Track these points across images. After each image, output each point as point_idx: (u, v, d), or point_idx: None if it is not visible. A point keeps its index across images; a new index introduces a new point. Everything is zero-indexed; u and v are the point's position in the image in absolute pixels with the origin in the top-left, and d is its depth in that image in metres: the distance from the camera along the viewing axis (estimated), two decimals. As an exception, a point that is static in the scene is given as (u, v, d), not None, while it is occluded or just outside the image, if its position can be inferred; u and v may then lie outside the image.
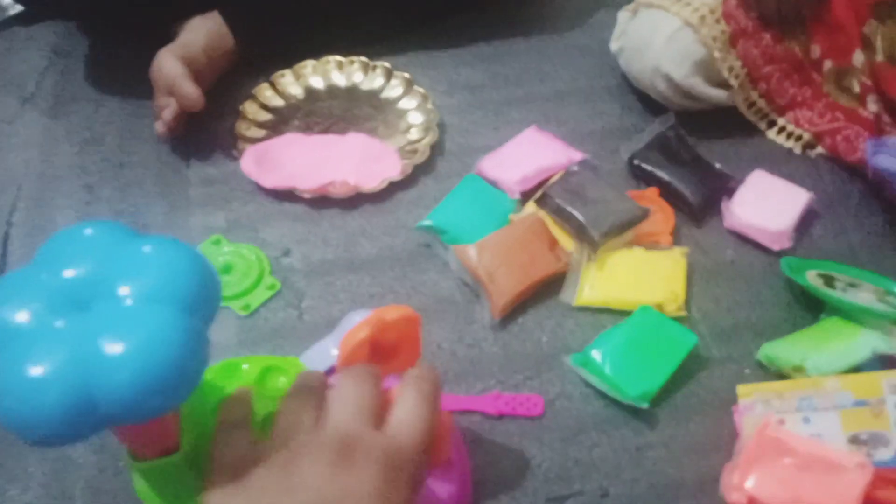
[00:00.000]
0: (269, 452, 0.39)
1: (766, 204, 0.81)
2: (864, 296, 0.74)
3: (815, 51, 0.88)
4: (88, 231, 0.38)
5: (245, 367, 0.52)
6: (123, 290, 0.34)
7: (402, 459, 0.38)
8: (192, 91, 0.83)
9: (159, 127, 0.87)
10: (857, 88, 0.88)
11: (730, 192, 0.83)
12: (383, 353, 0.51)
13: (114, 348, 0.32)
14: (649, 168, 0.85)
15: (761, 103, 0.91)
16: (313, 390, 0.42)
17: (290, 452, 0.38)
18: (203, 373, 0.36)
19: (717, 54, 0.86)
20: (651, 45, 0.88)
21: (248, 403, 0.44)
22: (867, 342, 0.68)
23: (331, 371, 0.68)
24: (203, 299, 0.36)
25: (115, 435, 0.39)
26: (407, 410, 0.41)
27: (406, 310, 0.52)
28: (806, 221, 0.83)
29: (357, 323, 0.50)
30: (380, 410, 0.41)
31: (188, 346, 0.34)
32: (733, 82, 0.87)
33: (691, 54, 0.86)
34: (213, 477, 0.39)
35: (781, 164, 0.90)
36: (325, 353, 0.71)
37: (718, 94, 0.89)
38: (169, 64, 0.84)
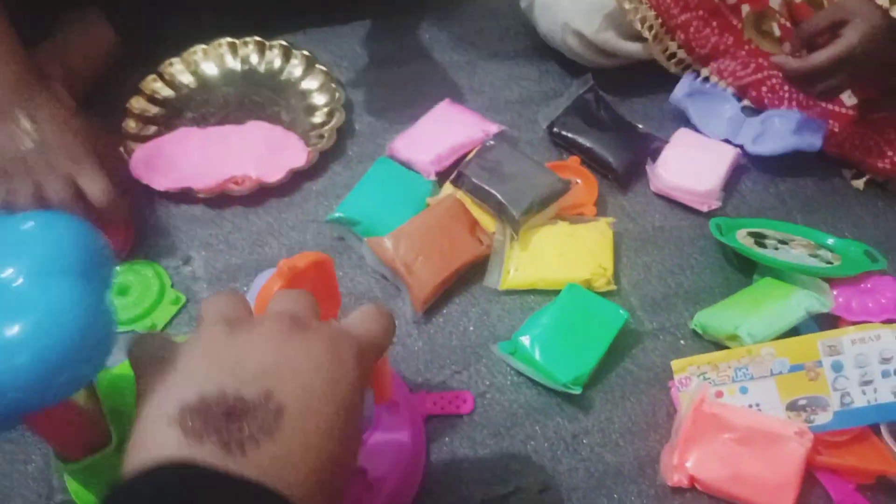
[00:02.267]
0: (205, 329, 0.34)
1: (692, 164, 0.78)
2: (796, 252, 0.71)
3: None
4: None
5: None
6: (9, 273, 0.33)
7: (353, 344, 0.35)
8: (60, 94, 0.75)
9: None
10: (777, 32, 0.85)
11: (654, 154, 0.80)
12: None
13: (12, 330, 0.31)
14: (569, 135, 0.81)
15: (681, 54, 0.87)
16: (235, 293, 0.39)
17: (230, 325, 0.34)
18: (112, 340, 0.34)
19: (627, 5, 0.81)
20: (560, 0, 0.83)
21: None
22: (800, 302, 0.65)
23: None
24: (95, 263, 0.35)
25: (39, 434, 0.38)
26: (362, 313, 0.38)
27: (316, 254, 0.50)
28: (734, 178, 0.80)
29: (267, 280, 0.47)
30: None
31: (90, 312, 0.33)
32: (647, 34, 0.83)
33: (601, 7, 0.81)
34: (140, 384, 0.33)
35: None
36: None
37: (634, 48, 0.85)
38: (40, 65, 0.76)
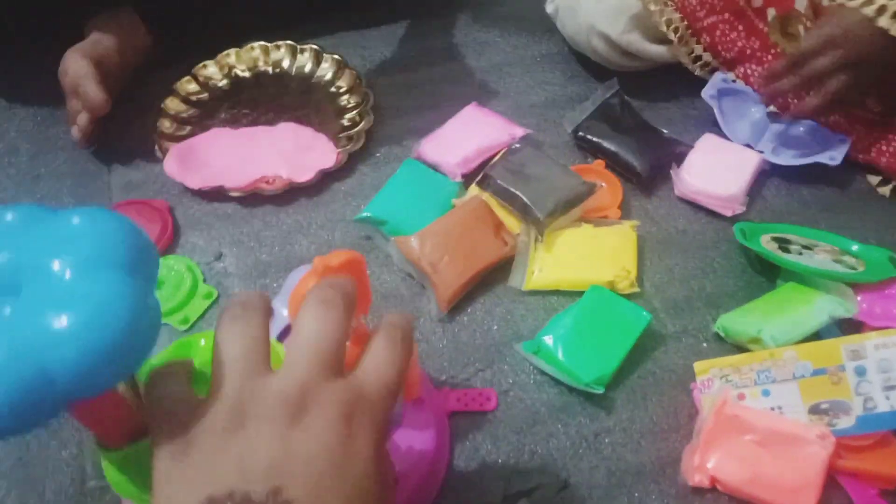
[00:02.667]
0: (211, 409, 0.33)
1: (716, 169, 0.79)
2: (819, 257, 0.71)
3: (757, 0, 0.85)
4: (8, 216, 0.36)
5: (203, 342, 0.51)
6: (58, 265, 0.33)
7: (366, 407, 0.34)
8: (96, 93, 0.78)
9: (75, 133, 0.82)
10: (803, 33, 0.85)
11: (679, 159, 0.80)
12: None
13: (61, 322, 0.32)
14: (594, 139, 0.82)
15: (707, 57, 0.87)
16: (252, 319, 0.36)
17: (234, 410, 0.33)
18: (156, 334, 0.35)
19: (652, 7, 0.82)
20: (584, 2, 0.84)
21: (186, 363, 0.37)
22: (823, 307, 0.66)
23: (284, 333, 0.66)
24: (141, 259, 0.35)
25: (83, 423, 0.38)
26: (375, 357, 0.37)
27: (350, 253, 0.50)
28: (758, 183, 0.80)
29: (301, 277, 0.48)
30: (343, 351, 0.36)
31: (137, 306, 0.33)
32: (672, 36, 0.84)
33: (626, 9, 0.82)
34: (154, 437, 0.34)
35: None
36: (276, 315, 0.68)
37: (659, 51, 0.86)
38: (74, 65, 0.79)
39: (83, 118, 0.80)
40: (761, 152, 0.82)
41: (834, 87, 0.74)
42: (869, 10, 0.70)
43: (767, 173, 0.82)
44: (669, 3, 0.83)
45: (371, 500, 0.32)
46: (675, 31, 0.84)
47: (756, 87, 0.79)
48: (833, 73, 0.73)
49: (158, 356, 0.50)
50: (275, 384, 0.33)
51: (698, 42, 0.86)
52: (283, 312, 0.68)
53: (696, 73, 0.88)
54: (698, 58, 0.87)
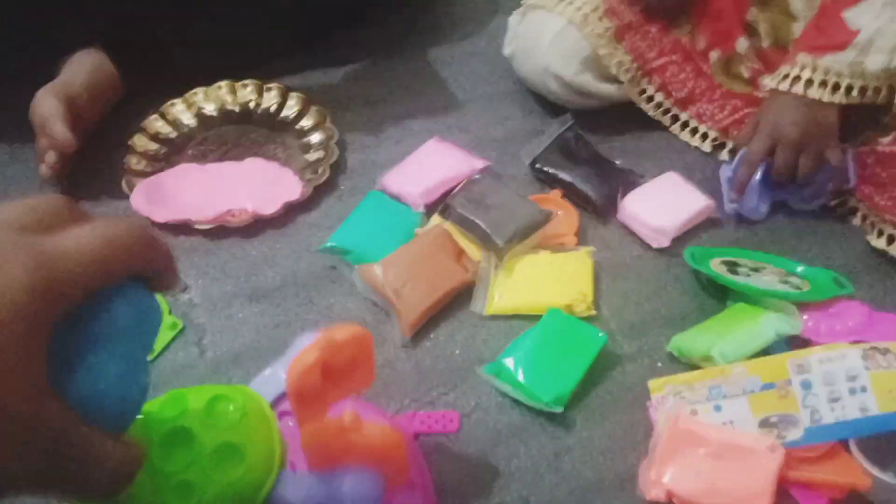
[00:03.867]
0: None
1: (659, 202, 0.82)
2: (767, 279, 0.75)
3: (701, 42, 0.90)
4: None
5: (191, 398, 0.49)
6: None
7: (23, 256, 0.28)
8: (63, 132, 0.79)
9: (44, 170, 0.83)
10: (746, 73, 0.90)
11: (631, 188, 0.84)
12: (335, 376, 0.49)
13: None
14: (551, 170, 0.85)
15: (659, 97, 0.92)
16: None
17: None
18: (144, 398, 0.34)
19: (602, 51, 0.86)
20: (538, 45, 0.88)
21: None
22: (770, 325, 0.69)
23: (280, 398, 0.65)
24: (141, 331, 0.33)
25: None
26: (92, 225, 0.31)
27: (356, 328, 0.49)
28: (704, 223, 0.83)
29: (305, 346, 0.48)
30: (50, 219, 0.31)
31: (126, 375, 0.32)
32: (623, 77, 0.88)
33: (578, 52, 0.87)
34: None
35: (685, 153, 0.91)
36: (274, 379, 0.68)
37: (612, 90, 0.90)
38: (45, 104, 0.80)
39: (51, 156, 0.82)
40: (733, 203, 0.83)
41: (807, 168, 0.79)
42: (798, 89, 0.77)
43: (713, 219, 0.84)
44: (619, 45, 0.87)
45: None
46: (627, 72, 0.88)
47: (731, 193, 0.83)
48: (795, 159, 0.79)
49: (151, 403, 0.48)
50: None
51: (650, 82, 0.91)
52: (281, 376, 0.68)
53: (648, 114, 0.92)
54: (650, 98, 0.91)
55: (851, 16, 0.76)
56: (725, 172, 0.84)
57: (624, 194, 0.82)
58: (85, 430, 0.30)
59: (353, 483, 0.48)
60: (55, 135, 0.80)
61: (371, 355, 0.52)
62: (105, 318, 0.31)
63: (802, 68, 0.78)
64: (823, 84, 0.77)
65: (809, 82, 0.77)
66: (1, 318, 0.26)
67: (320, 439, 0.49)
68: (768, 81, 0.82)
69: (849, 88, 0.76)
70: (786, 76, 0.79)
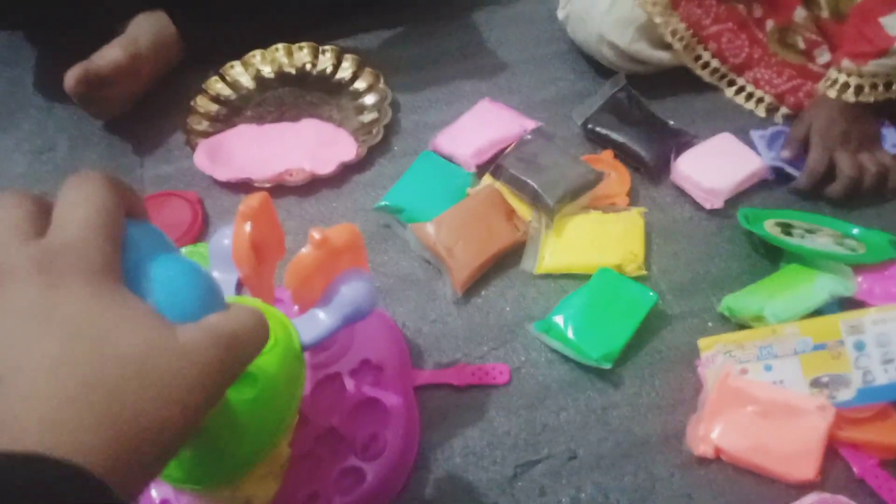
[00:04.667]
0: None
1: (712, 163, 0.81)
2: (821, 241, 0.74)
3: (757, 10, 0.88)
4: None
5: None
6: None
7: (65, 252, 0.29)
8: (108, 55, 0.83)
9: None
10: (801, 45, 0.88)
11: (684, 149, 0.83)
12: (330, 271, 0.53)
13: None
14: (603, 131, 0.85)
15: (715, 63, 0.90)
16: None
17: None
18: (214, 283, 0.36)
19: (658, 19, 0.85)
20: (593, 12, 0.87)
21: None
22: (824, 286, 0.68)
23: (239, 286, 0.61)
24: (159, 239, 0.35)
25: None
26: (62, 206, 0.31)
27: (351, 231, 0.54)
28: (757, 186, 0.82)
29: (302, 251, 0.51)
30: (39, 214, 0.31)
31: (183, 264, 0.34)
32: (678, 46, 0.87)
33: (633, 20, 0.86)
34: None
35: (737, 116, 0.90)
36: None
37: (667, 56, 0.89)
38: (107, 52, 0.84)
39: (78, 70, 0.84)
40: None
41: (874, 166, 0.80)
42: (849, 96, 0.79)
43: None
44: (674, 13, 0.86)
45: (108, 336, 0.28)
46: (681, 39, 0.87)
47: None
48: (859, 156, 0.80)
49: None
50: None
51: (706, 49, 0.89)
52: (224, 242, 0.59)
53: (704, 80, 0.91)
54: (706, 64, 0.90)
55: (888, 21, 0.76)
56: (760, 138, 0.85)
57: (678, 155, 0.82)
58: (214, 318, 0.32)
59: (347, 289, 0.52)
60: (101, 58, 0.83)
61: (363, 254, 0.56)
62: (131, 244, 0.32)
63: (849, 75, 0.78)
64: (874, 87, 0.78)
65: (859, 89, 0.78)
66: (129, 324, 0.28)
67: (305, 279, 0.53)
68: (820, 86, 0.82)
69: (888, 84, 0.78)
70: (834, 81, 0.79)
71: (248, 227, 0.52)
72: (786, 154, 0.82)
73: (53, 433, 0.25)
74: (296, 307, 0.55)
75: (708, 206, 0.79)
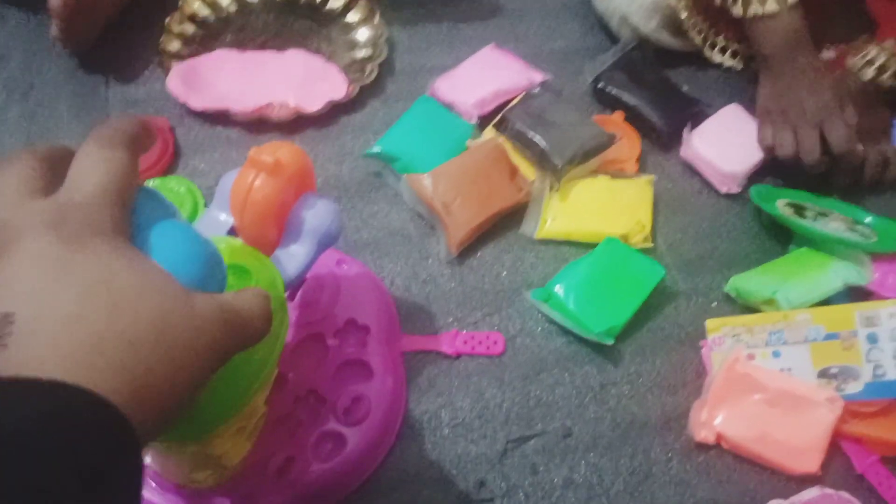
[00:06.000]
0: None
1: (727, 142, 0.76)
2: (834, 225, 0.71)
3: None
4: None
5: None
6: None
7: (77, 212, 0.30)
8: None
9: (54, 30, 0.76)
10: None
11: (697, 119, 0.78)
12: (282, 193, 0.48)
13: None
14: (614, 91, 0.79)
15: (734, 46, 0.85)
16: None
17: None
18: (218, 253, 0.36)
19: (684, 14, 0.80)
20: None
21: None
22: (839, 273, 0.65)
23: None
24: (166, 207, 0.35)
25: None
26: (79, 163, 0.32)
27: (295, 150, 0.49)
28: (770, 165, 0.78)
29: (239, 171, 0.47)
30: (48, 172, 0.32)
31: (188, 232, 0.34)
32: (697, 39, 0.83)
33: (661, 8, 0.81)
34: None
35: (751, 87, 0.85)
36: (212, 220, 0.58)
37: (680, 42, 0.84)
38: None
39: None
40: None
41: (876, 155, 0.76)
42: (885, 80, 0.75)
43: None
44: (699, 13, 0.82)
45: (125, 292, 0.29)
46: (699, 32, 0.83)
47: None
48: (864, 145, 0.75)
49: None
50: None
51: (725, 38, 0.84)
52: (219, 217, 0.59)
53: (725, 64, 0.85)
54: (724, 49, 0.85)
55: None
56: None
57: (689, 127, 0.77)
58: (230, 296, 0.33)
59: (313, 214, 0.50)
60: None
61: (313, 178, 0.53)
62: (139, 211, 0.33)
63: (890, 56, 0.73)
64: None
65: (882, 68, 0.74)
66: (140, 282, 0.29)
67: (264, 215, 0.48)
68: (853, 63, 0.76)
69: None
70: (871, 62, 0.74)
71: (258, 180, 0.46)
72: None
73: (72, 373, 0.25)
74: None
75: (724, 189, 0.75)
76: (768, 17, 0.72)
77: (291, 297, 0.61)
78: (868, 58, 0.75)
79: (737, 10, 0.73)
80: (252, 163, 0.46)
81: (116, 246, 0.30)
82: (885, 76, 0.74)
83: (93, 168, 0.31)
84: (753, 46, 0.76)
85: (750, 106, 0.79)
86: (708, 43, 0.85)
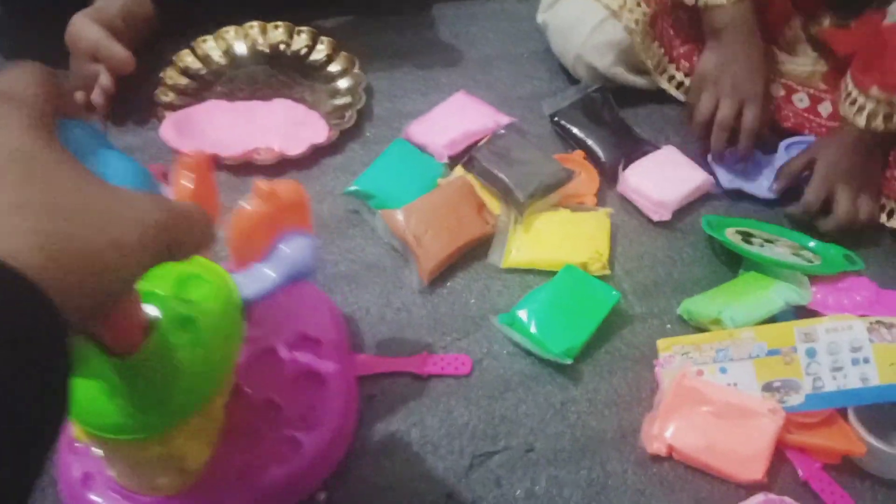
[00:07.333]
0: None
1: (659, 176, 0.82)
2: (780, 251, 0.76)
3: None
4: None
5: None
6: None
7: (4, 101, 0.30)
8: (120, 51, 0.80)
9: (96, 97, 0.83)
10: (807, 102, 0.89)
11: (637, 158, 0.84)
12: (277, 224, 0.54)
13: None
14: (567, 125, 0.86)
15: (688, 81, 0.91)
16: None
17: None
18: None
19: (636, 39, 0.87)
20: (575, 33, 0.88)
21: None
22: (780, 293, 0.70)
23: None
24: (98, 137, 0.37)
25: (101, 334, 0.39)
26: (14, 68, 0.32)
27: (296, 188, 0.55)
28: (700, 200, 0.84)
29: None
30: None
31: (124, 160, 0.37)
32: (649, 65, 0.89)
33: (616, 44, 0.87)
34: None
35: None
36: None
37: (642, 81, 0.91)
38: (88, 28, 0.81)
39: (106, 79, 0.82)
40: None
41: (867, 212, 0.79)
42: (878, 124, 0.77)
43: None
44: (650, 31, 0.88)
45: (44, 166, 0.28)
46: (654, 59, 0.89)
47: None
48: (858, 198, 0.79)
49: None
50: None
51: (677, 69, 0.91)
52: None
53: (680, 99, 0.91)
54: (680, 84, 0.91)
55: None
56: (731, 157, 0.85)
57: (626, 166, 0.83)
58: (162, 195, 0.33)
59: (291, 248, 0.54)
60: (114, 55, 0.80)
61: (308, 215, 0.57)
62: (71, 139, 0.33)
63: (878, 103, 0.76)
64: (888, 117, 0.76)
65: (888, 117, 0.76)
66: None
67: (249, 233, 0.54)
68: (844, 111, 0.79)
69: None
70: (861, 108, 0.77)
71: (252, 202, 0.52)
72: (777, 187, 0.82)
73: None
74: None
75: (656, 217, 0.80)
76: (717, 7, 0.80)
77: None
78: (856, 106, 0.77)
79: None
80: (254, 189, 0.53)
81: (38, 132, 0.29)
82: (877, 122, 0.76)
83: (17, 73, 0.31)
84: (706, 25, 0.83)
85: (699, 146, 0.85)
86: (659, 69, 0.91)
